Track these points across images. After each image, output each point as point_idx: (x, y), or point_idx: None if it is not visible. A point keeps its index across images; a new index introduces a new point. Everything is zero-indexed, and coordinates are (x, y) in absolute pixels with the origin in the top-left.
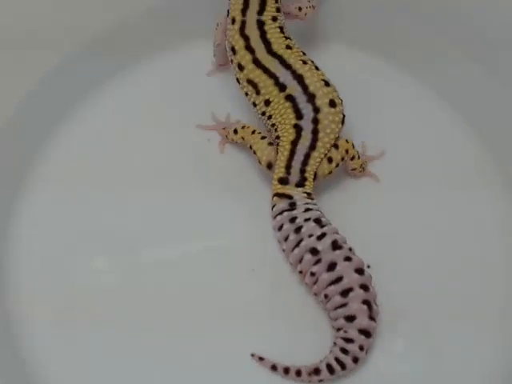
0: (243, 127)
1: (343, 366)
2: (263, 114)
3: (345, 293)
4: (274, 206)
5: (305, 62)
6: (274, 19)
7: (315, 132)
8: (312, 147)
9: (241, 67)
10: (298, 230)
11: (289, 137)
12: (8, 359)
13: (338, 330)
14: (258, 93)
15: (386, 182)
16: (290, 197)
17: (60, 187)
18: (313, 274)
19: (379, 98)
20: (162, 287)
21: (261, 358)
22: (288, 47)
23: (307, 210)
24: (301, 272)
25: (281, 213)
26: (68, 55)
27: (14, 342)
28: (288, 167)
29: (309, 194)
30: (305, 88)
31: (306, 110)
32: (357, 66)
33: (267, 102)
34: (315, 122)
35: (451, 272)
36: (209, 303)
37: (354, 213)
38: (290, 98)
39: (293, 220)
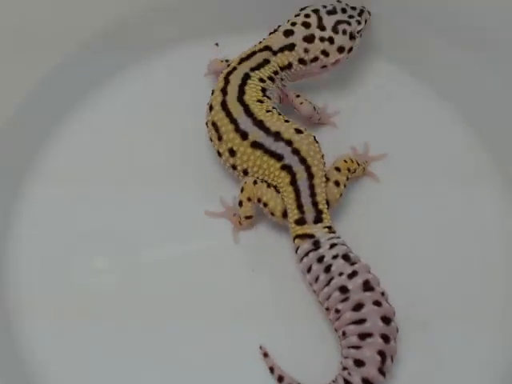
0: (242, 189)
1: None
2: (234, 168)
3: (363, 336)
4: (297, 249)
5: (269, 111)
6: (261, 80)
7: (303, 161)
8: (310, 176)
9: (211, 108)
10: (327, 269)
11: (284, 180)
12: (8, 359)
13: (344, 368)
14: (220, 138)
15: (385, 181)
16: (311, 236)
17: (60, 187)
18: (337, 311)
19: (379, 98)
20: (162, 287)
21: (265, 354)
22: (259, 101)
23: (332, 245)
24: (327, 309)
25: (306, 254)
26: (68, 55)
27: (14, 342)
28: (300, 206)
29: (329, 228)
30: (267, 130)
31: (280, 148)
32: (357, 66)
33: (231, 152)
34: (296, 152)
35: (451, 272)
36: (209, 303)
37: (353, 213)
38: (257, 145)
39: (320, 259)
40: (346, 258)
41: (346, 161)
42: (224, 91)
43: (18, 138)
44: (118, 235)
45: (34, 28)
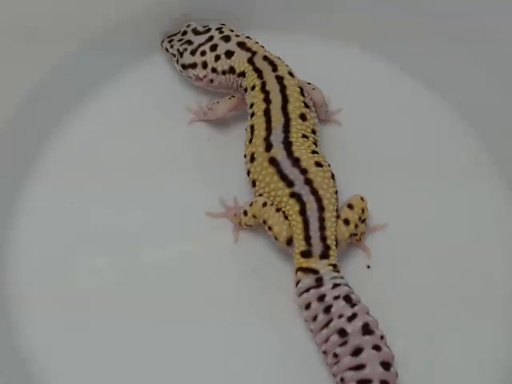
0: (251, 204)
1: None
2: (248, 173)
3: (362, 382)
4: (298, 282)
5: (304, 137)
6: (290, 74)
7: (314, 192)
8: (321, 208)
9: (252, 115)
10: (327, 309)
11: (294, 208)
12: (8, 359)
13: None
14: (250, 141)
15: (385, 181)
16: (315, 271)
17: (60, 187)
18: (336, 356)
19: (379, 97)
20: (162, 287)
21: None
22: (302, 117)
23: (335, 285)
24: (325, 352)
25: (307, 290)
26: (68, 55)
27: (14, 342)
28: (307, 238)
29: (334, 266)
30: (290, 152)
31: (294, 174)
32: (356, 65)
33: (252, 157)
34: (308, 182)
35: (451, 272)
36: (209, 304)
37: None
38: (273, 162)
39: (321, 298)
40: (347, 299)
41: (362, 199)
42: (267, 100)
43: (18, 138)
44: (117, 235)
45: (33, 28)
